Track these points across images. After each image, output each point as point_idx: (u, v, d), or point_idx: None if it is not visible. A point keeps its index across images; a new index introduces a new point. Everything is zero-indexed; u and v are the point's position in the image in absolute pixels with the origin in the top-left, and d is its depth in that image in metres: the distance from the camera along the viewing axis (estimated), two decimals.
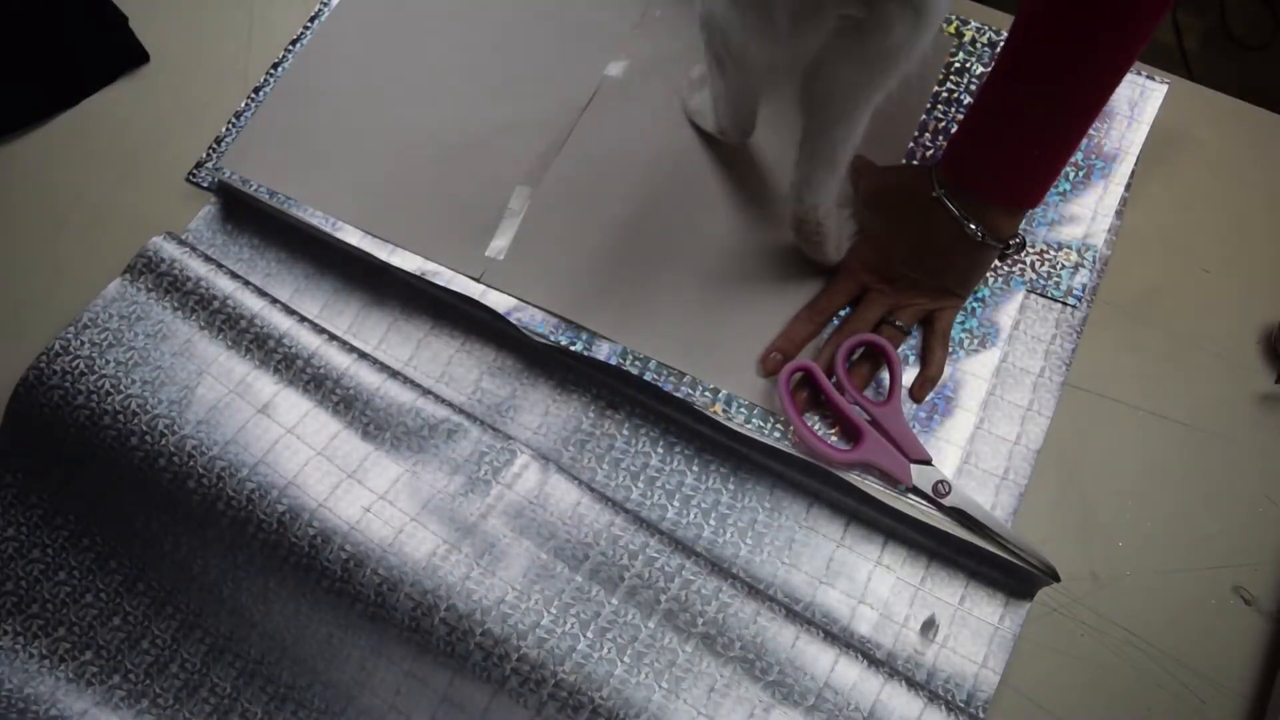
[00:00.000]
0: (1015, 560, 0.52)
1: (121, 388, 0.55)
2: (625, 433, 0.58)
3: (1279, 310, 0.60)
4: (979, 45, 0.68)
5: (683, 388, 0.59)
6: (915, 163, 0.65)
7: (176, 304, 0.58)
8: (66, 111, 0.70)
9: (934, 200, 0.55)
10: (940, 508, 0.54)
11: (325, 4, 0.74)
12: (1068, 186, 0.64)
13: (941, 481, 0.55)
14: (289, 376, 0.56)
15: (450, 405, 0.56)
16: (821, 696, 0.47)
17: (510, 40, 0.71)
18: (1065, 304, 0.60)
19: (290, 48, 0.72)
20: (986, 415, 0.58)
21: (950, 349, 0.59)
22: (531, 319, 0.62)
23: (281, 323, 0.57)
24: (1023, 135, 0.51)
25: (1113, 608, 0.53)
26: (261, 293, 0.59)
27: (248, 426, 0.54)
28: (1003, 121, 0.52)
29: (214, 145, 0.68)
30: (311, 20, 0.73)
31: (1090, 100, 0.50)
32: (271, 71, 0.71)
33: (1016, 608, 0.53)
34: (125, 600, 0.55)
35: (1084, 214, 0.63)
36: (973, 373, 0.59)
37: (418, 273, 0.62)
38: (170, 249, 0.60)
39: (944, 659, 0.52)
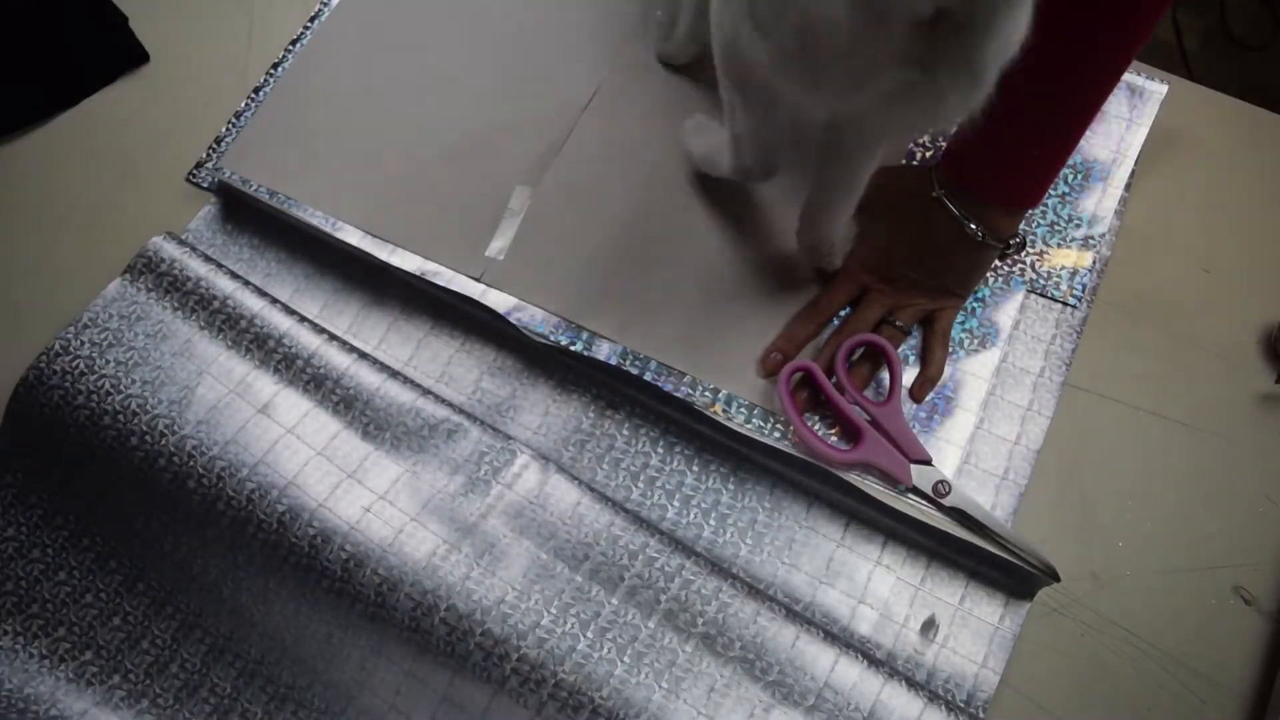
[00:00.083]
0: (1015, 560, 0.52)
1: (121, 388, 0.55)
2: (625, 433, 0.58)
3: (1279, 310, 0.60)
4: None
5: (683, 388, 0.59)
6: (915, 163, 0.65)
7: (176, 304, 0.58)
8: (66, 111, 0.70)
9: (934, 200, 0.55)
10: (940, 508, 0.54)
11: (325, 4, 0.74)
12: (1067, 188, 0.64)
13: (941, 481, 0.55)
14: (289, 376, 0.56)
15: (450, 405, 0.56)
16: (821, 696, 0.47)
17: (510, 40, 0.71)
18: (1065, 304, 0.60)
19: (290, 48, 0.72)
20: (986, 415, 0.58)
21: (950, 349, 0.59)
22: (531, 319, 0.61)
23: (281, 323, 0.57)
24: (1022, 135, 0.51)
25: (1113, 608, 0.53)
26: (261, 293, 0.59)
27: (248, 426, 0.54)
28: (1002, 121, 0.52)
29: (214, 145, 0.68)
30: (311, 20, 0.73)
31: (1089, 100, 0.50)
32: (271, 71, 0.71)
33: (1016, 608, 0.53)
34: (125, 600, 0.55)
35: (1084, 214, 0.63)
36: (973, 373, 0.59)
37: (418, 273, 0.62)
38: (170, 249, 0.60)
39: (944, 659, 0.52)
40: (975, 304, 0.61)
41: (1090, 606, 0.53)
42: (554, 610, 0.49)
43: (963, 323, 0.60)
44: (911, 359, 0.59)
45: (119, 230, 0.65)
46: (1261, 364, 0.59)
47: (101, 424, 0.54)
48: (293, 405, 0.55)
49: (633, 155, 0.66)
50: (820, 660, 0.48)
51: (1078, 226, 0.62)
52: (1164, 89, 0.66)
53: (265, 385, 0.55)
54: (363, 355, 0.57)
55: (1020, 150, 0.52)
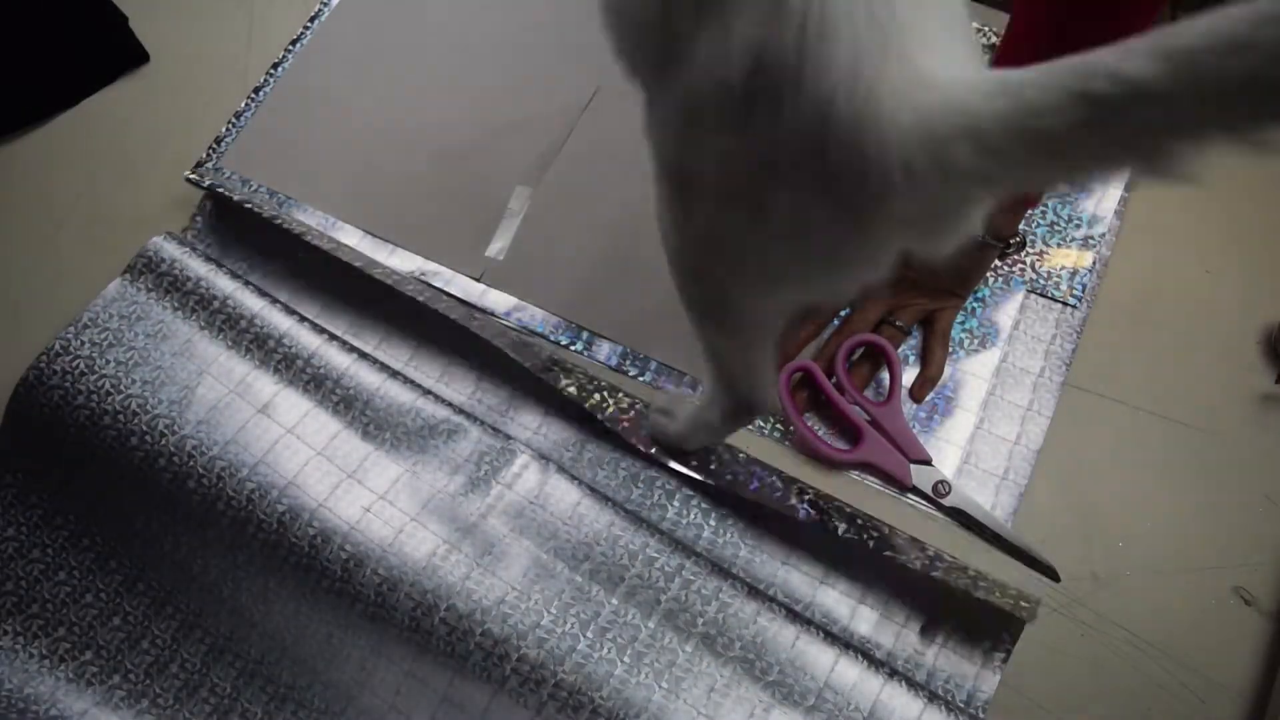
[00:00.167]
0: (1015, 560, 0.52)
1: (121, 388, 0.55)
2: None
3: (1279, 310, 0.60)
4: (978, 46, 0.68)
5: (683, 387, 0.59)
6: None
7: (177, 304, 0.58)
8: (66, 111, 0.70)
9: None
10: (940, 508, 0.54)
11: (325, 4, 0.74)
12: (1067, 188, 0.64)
13: (941, 481, 0.55)
14: (289, 376, 0.56)
15: (450, 405, 0.56)
16: (821, 697, 0.47)
17: (510, 41, 0.71)
18: (1065, 304, 0.60)
19: (290, 48, 0.72)
20: (986, 415, 0.58)
21: (950, 349, 0.59)
22: (531, 319, 0.61)
23: (281, 323, 0.57)
24: None
25: (1113, 608, 0.53)
26: (261, 293, 0.59)
27: (248, 426, 0.54)
28: None
29: (214, 145, 0.68)
30: (311, 20, 0.73)
31: None
32: (271, 71, 0.71)
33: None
34: (125, 600, 0.55)
35: (1084, 214, 0.63)
36: (973, 373, 0.59)
37: (418, 273, 0.62)
38: (170, 249, 0.60)
39: (944, 659, 0.52)
40: (975, 304, 0.61)
41: (1090, 606, 0.53)
42: (554, 610, 0.49)
43: (963, 323, 0.60)
44: (911, 359, 0.59)
45: (119, 230, 0.65)
46: (1261, 364, 0.59)
47: (101, 424, 0.54)
48: (293, 405, 0.55)
49: (633, 155, 0.66)
50: (820, 660, 0.48)
51: (1078, 226, 0.62)
52: None
53: (265, 385, 0.55)
54: (363, 355, 0.57)
55: None
